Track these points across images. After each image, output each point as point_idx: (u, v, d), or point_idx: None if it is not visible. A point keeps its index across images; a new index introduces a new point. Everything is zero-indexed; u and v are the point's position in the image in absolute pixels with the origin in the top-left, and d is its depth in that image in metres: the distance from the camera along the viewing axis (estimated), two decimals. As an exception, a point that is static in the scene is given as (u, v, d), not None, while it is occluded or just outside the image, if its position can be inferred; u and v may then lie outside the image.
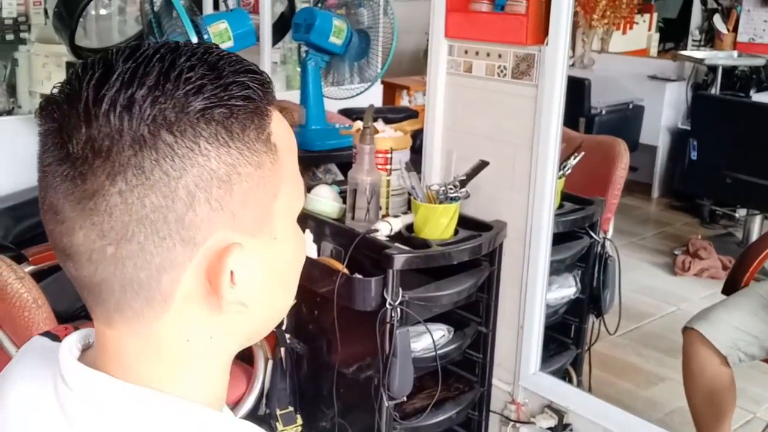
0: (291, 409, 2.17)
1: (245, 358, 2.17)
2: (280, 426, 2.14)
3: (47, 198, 0.57)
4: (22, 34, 3.01)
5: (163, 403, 0.59)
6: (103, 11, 3.15)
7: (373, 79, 2.74)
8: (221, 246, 0.57)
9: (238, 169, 0.56)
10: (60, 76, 2.77)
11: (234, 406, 2.11)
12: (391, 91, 4.41)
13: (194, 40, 2.19)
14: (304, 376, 2.24)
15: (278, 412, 2.15)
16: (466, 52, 2.08)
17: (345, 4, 2.72)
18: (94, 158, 0.54)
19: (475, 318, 2.14)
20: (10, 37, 2.99)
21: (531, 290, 2.09)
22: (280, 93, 3.44)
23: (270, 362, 2.13)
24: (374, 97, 3.85)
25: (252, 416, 2.13)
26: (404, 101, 4.50)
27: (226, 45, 2.29)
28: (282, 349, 2.14)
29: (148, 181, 0.54)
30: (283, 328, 2.17)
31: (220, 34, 2.27)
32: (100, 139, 0.54)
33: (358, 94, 2.76)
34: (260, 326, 0.65)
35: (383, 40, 2.71)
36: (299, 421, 2.18)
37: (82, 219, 0.55)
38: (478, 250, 1.99)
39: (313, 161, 2.66)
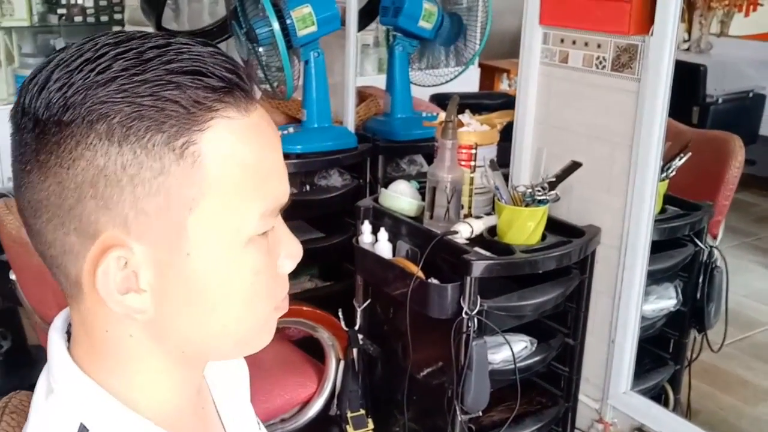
0: (362, 412, 2.09)
1: (318, 357, 2.10)
2: (350, 429, 2.07)
3: None
4: (116, 15, 3.01)
5: (84, 392, 0.60)
6: (193, -7, 3.12)
7: (468, 63, 2.59)
8: (106, 246, 0.56)
9: (129, 172, 0.54)
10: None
11: (304, 405, 2.04)
12: (489, 74, 4.21)
13: (275, 25, 2.10)
14: (377, 379, 2.15)
15: (349, 415, 2.07)
16: (562, 40, 1.90)
17: (443, -17, 2.58)
18: (15, 133, 0.57)
19: (562, 329, 1.98)
20: (104, 18, 3.00)
21: (625, 302, 1.92)
22: (371, 76, 3.32)
23: (342, 363, 2.06)
24: (471, 81, 3.69)
25: (322, 417, 2.06)
26: (503, 85, 4.30)
27: (309, 30, 2.21)
28: (354, 350, 2.05)
29: (45, 166, 0.55)
30: (356, 328, 2.08)
31: (304, 18, 2.18)
32: (17, 117, 0.56)
33: (448, 81, 2.63)
34: (195, 343, 0.62)
35: (481, 21, 2.57)
36: (370, 425, 2.09)
37: (16, 188, 0.58)
38: (568, 258, 1.83)
39: (397, 152, 2.55)
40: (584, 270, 1.92)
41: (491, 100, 3.43)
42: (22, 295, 1.92)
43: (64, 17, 2.94)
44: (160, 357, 0.62)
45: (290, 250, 0.65)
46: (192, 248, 0.57)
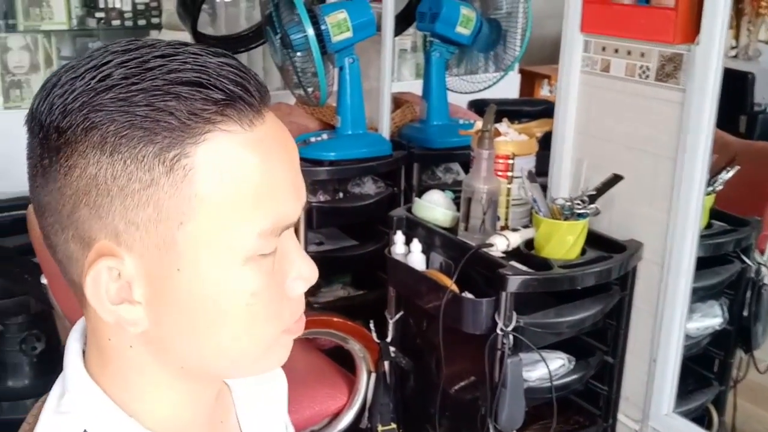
0: (393, 426, 2.04)
1: (349, 367, 2.06)
2: (381, 443, 2.02)
3: None
4: (153, 20, 3.02)
5: (86, 403, 0.60)
6: (230, -3, 3.11)
7: (507, 69, 2.54)
8: (98, 254, 0.55)
9: (119, 182, 0.53)
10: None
11: (334, 417, 2.01)
12: (530, 80, 4.14)
13: (309, 31, 2.07)
14: (410, 392, 2.10)
15: (380, 428, 2.03)
16: (603, 49, 1.83)
17: (485, -10, 2.53)
18: (28, 137, 0.57)
19: (601, 346, 1.91)
20: (142, 22, 3.00)
21: (668, 320, 1.84)
22: (409, 81, 3.28)
23: (373, 375, 2.01)
24: (511, 86, 3.62)
25: (353, 430, 2.02)
26: (544, 91, 4.23)
27: (344, 36, 2.17)
28: (386, 363, 2.01)
29: (48, 170, 0.55)
30: (388, 340, 2.03)
31: (339, 24, 2.14)
32: (29, 121, 0.56)
33: (486, 88, 2.57)
34: (192, 360, 0.60)
35: (521, 26, 2.51)
36: (402, 439, 2.05)
37: (29, 190, 0.59)
38: (608, 274, 1.76)
39: (433, 159, 2.51)
40: (625, 286, 1.85)
41: (531, 107, 3.37)
42: (53, 299, 1.92)
43: (102, 21, 2.95)
44: (160, 370, 0.61)
45: (301, 272, 0.62)
46: (182, 264, 0.55)
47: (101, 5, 2.93)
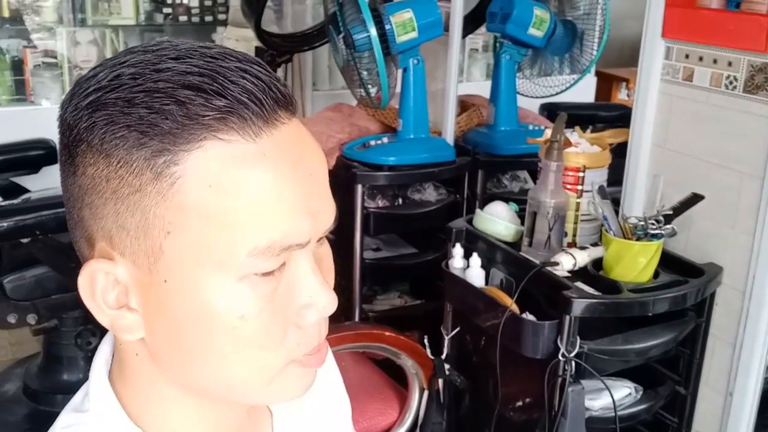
0: (446, 446, 1.95)
1: (401, 379, 1.98)
2: (432, 464, 1.93)
3: None
4: (220, 16, 2.99)
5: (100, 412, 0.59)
6: (297, -6, 3.06)
7: (583, 72, 2.41)
8: (98, 256, 0.54)
9: (111, 185, 0.51)
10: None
11: (384, 434, 1.93)
12: (607, 83, 3.99)
13: (372, 31, 1.99)
14: (464, 412, 2.00)
15: (432, 448, 1.94)
16: (687, 56, 1.69)
17: (562, -9, 2.41)
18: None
19: (672, 376, 1.78)
20: (208, 18, 2.99)
21: (747, 351, 1.70)
22: (478, 82, 3.18)
23: (425, 393, 1.93)
24: (586, 90, 3.48)
25: (403, 448, 1.94)
26: (622, 95, 4.06)
27: (409, 36, 2.08)
28: (440, 381, 1.92)
29: (63, 167, 0.55)
30: (443, 356, 1.94)
31: (404, 24, 2.05)
32: (58, 117, 0.55)
33: (560, 92, 2.44)
34: (187, 377, 0.57)
35: (599, 26, 2.38)
36: (454, 461, 1.96)
37: None
38: (682, 300, 1.63)
39: (499, 166, 2.39)
40: (701, 313, 1.72)
41: (607, 112, 3.22)
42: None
43: (169, 16, 2.95)
44: (164, 384, 0.58)
45: (313, 299, 0.55)
46: (169, 275, 0.53)
47: (169, 1, 2.92)
